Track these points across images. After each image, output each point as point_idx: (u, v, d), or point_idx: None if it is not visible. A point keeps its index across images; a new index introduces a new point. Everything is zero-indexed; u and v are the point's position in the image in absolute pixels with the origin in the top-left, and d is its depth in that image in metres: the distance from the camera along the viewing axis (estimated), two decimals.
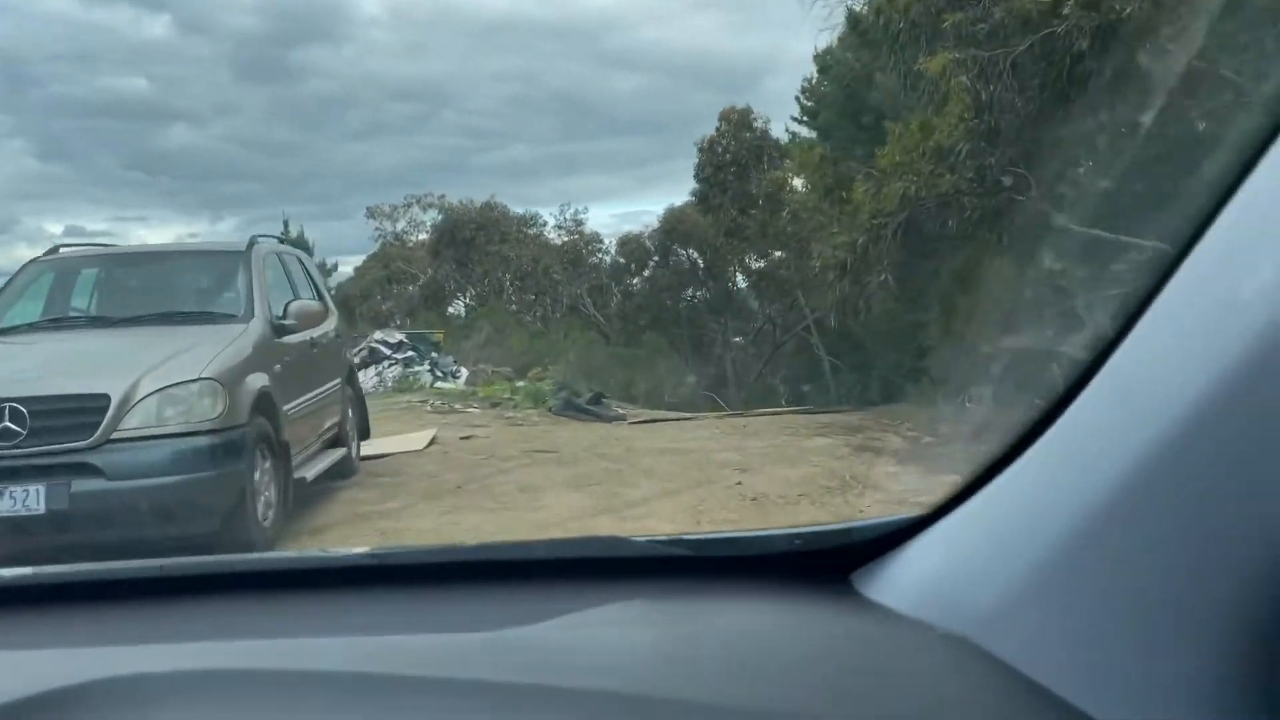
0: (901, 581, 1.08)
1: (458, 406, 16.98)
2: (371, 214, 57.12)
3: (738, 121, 31.26)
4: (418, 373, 20.78)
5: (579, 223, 43.67)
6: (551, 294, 43.49)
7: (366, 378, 20.62)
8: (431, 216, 51.64)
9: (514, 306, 44.84)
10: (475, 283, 45.33)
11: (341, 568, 1.28)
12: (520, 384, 20.89)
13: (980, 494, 1.01)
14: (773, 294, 33.49)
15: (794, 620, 1.10)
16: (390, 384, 20.01)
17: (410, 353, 21.45)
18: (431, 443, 12.02)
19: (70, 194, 63.77)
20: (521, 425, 14.76)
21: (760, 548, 1.25)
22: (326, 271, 60.84)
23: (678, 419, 15.50)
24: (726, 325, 36.74)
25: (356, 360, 21.97)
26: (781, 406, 33.56)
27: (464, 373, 21.83)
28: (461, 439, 12.34)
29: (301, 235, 61.64)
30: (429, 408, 16.84)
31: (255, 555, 2.05)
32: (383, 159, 59.04)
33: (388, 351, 21.36)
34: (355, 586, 1.19)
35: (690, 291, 37.50)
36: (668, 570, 1.19)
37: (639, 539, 1.20)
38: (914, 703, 0.90)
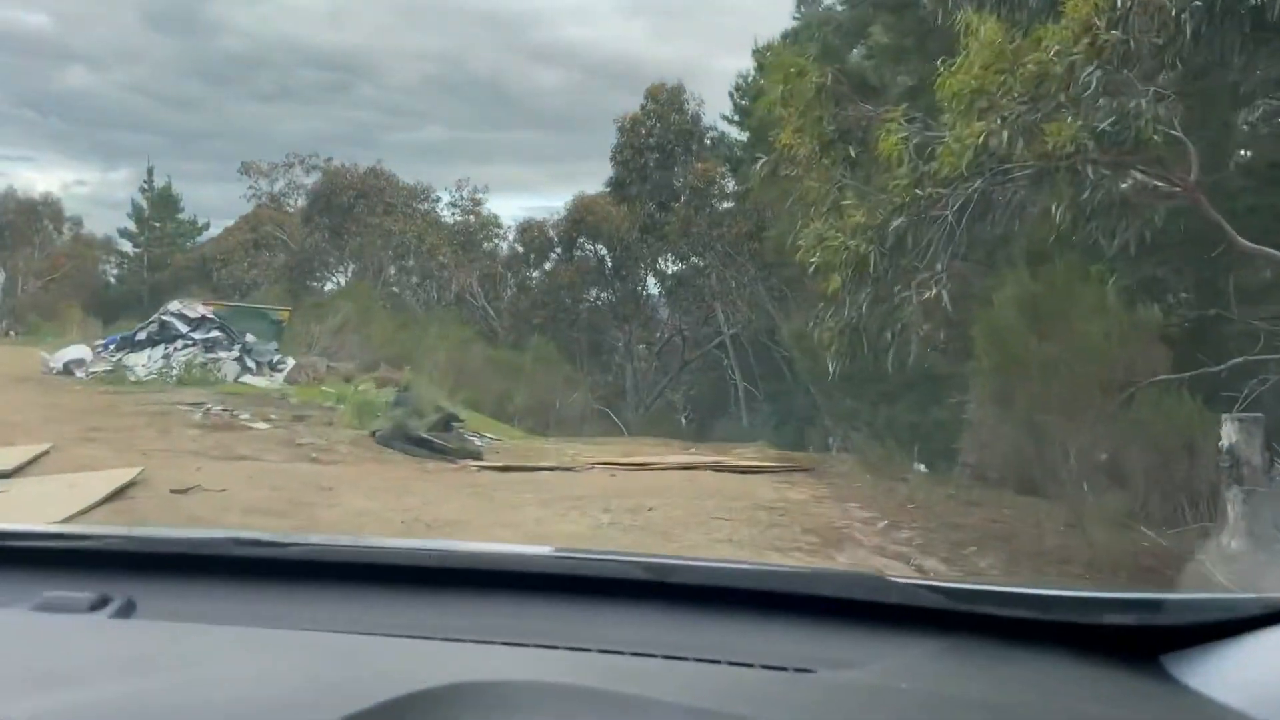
0: (1236, 674, 1.04)
1: (243, 417, 11.63)
2: (246, 170, 50.85)
3: (667, 101, 26.45)
4: (219, 360, 15.29)
5: (476, 202, 38.25)
6: (438, 279, 38.02)
7: (145, 360, 15.03)
8: (315, 181, 45.84)
9: (394, 289, 39.30)
10: (351, 257, 39.55)
11: (612, 578, 1.27)
12: (361, 386, 15.61)
13: None
14: (687, 303, 28.79)
15: (1098, 690, 1.05)
16: (176, 372, 14.49)
17: (215, 332, 15.92)
18: (116, 495, 6.75)
19: None
20: (317, 459, 9.58)
21: (1042, 608, 1.16)
22: (197, 229, 54.49)
23: (550, 470, 10.48)
24: (631, 333, 31.94)
25: (142, 336, 16.44)
26: (681, 433, 29.00)
27: (288, 364, 16.39)
28: (174, 492, 7.05)
29: (168, 188, 54.72)
30: (199, 414, 11.45)
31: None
32: (290, 125, 58.56)
33: (183, 328, 15.79)
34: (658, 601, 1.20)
35: (594, 292, 32.55)
36: (934, 622, 1.14)
37: (904, 581, 1.20)
38: None
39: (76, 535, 1.33)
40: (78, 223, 52.77)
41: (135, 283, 51.54)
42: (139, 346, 15.39)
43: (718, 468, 11.34)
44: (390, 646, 1.05)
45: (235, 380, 14.97)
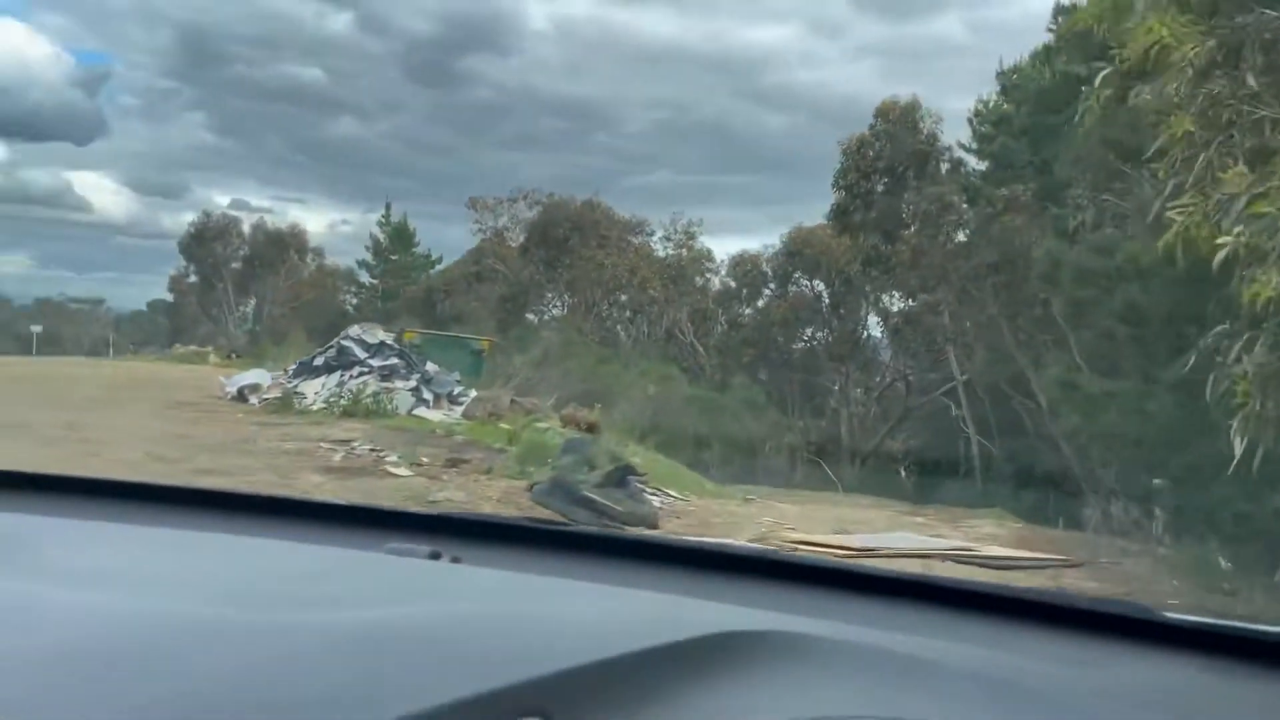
0: None
1: (389, 459, 10.00)
2: (473, 205, 51.87)
3: (899, 119, 23.63)
4: (394, 391, 13.97)
5: (690, 236, 36.59)
6: (648, 314, 36.56)
7: (318, 387, 13.91)
8: (537, 215, 45.97)
9: (606, 323, 38.21)
10: (565, 290, 38.86)
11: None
12: (539, 424, 13.85)
13: None
14: (914, 344, 25.60)
15: None
16: (343, 401, 13.26)
17: (393, 360, 14.66)
18: None
19: (238, 169, 68.57)
20: None
21: None
22: (430, 263, 56.25)
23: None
24: (847, 375, 29.00)
25: (320, 361, 15.49)
26: (901, 489, 25.53)
27: (468, 397, 14.91)
28: None
29: (404, 222, 56.78)
30: (341, 454, 9.93)
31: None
32: (531, 170, 64.76)
33: (360, 354, 14.63)
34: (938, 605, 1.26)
35: (808, 330, 29.91)
36: (1183, 643, 1.15)
37: (1169, 614, 1.21)
38: None
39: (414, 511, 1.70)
40: (319, 254, 55.77)
41: (369, 311, 53.51)
42: (316, 372, 14.37)
43: (962, 558, 8.58)
44: (700, 605, 1.11)
45: (409, 413, 13.59)
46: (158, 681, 0.68)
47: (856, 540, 9.24)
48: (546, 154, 62.49)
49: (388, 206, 56.14)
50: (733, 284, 32.35)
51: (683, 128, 61.47)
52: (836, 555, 8.58)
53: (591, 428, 15.54)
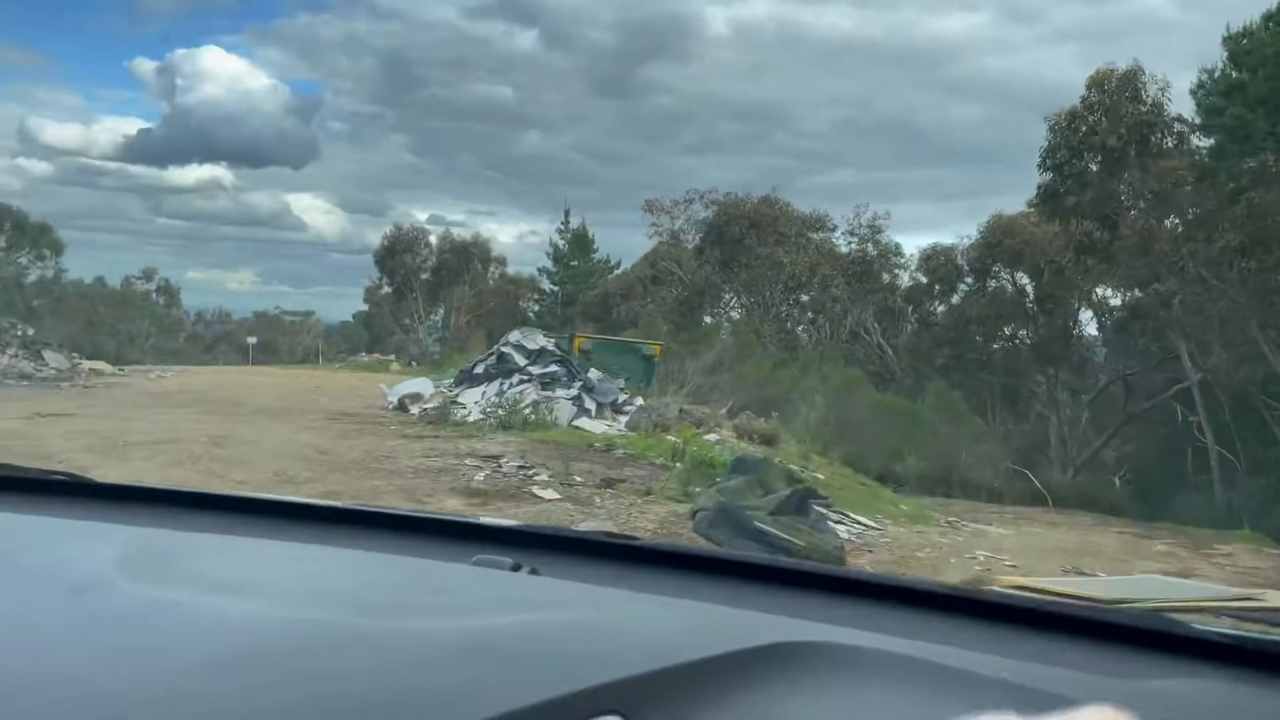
0: None
1: (538, 479, 8.90)
2: (649, 209, 51.34)
3: (1116, 89, 20.82)
4: (554, 400, 12.95)
5: (875, 230, 34.28)
6: (830, 314, 34.53)
7: (478, 396, 13.10)
8: (713, 214, 44.88)
9: (786, 324, 36.49)
10: (741, 290, 37.41)
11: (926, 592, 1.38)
12: (708, 437, 12.50)
13: None
14: (1139, 341, 22.57)
15: None
16: (500, 412, 12.33)
17: (553, 367, 13.66)
18: None
19: (435, 186, 72.78)
20: None
21: None
22: (609, 268, 56.21)
23: None
24: (1056, 378, 26.09)
25: (480, 369, 14.67)
26: (1119, 503, 22.41)
27: (633, 406, 13.74)
28: None
29: (582, 229, 56.93)
30: (485, 473, 8.91)
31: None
32: (710, 174, 63.63)
33: (520, 361, 13.71)
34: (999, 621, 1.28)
35: (1010, 328, 27.17)
36: (1216, 659, 1.19)
37: (1195, 625, 1.25)
38: None
39: (494, 523, 1.68)
40: (502, 262, 56.69)
41: (550, 318, 53.91)
42: (476, 381, 13.58)
43: (1245, 613, 6.58)
44: (758, 617, 1.14)
45: (569, 424, 12.54)
46: (302, 684, 0.76)
47: (1100, 586, 7.34)
48: (726, 157, 62.15)
49: (566, 213, 56.36)
50: (924, 280, 29.98)
51: (865, 124, 60.12)
52: (1073, 601, 6.78)
53: (768, 439, 14.06)
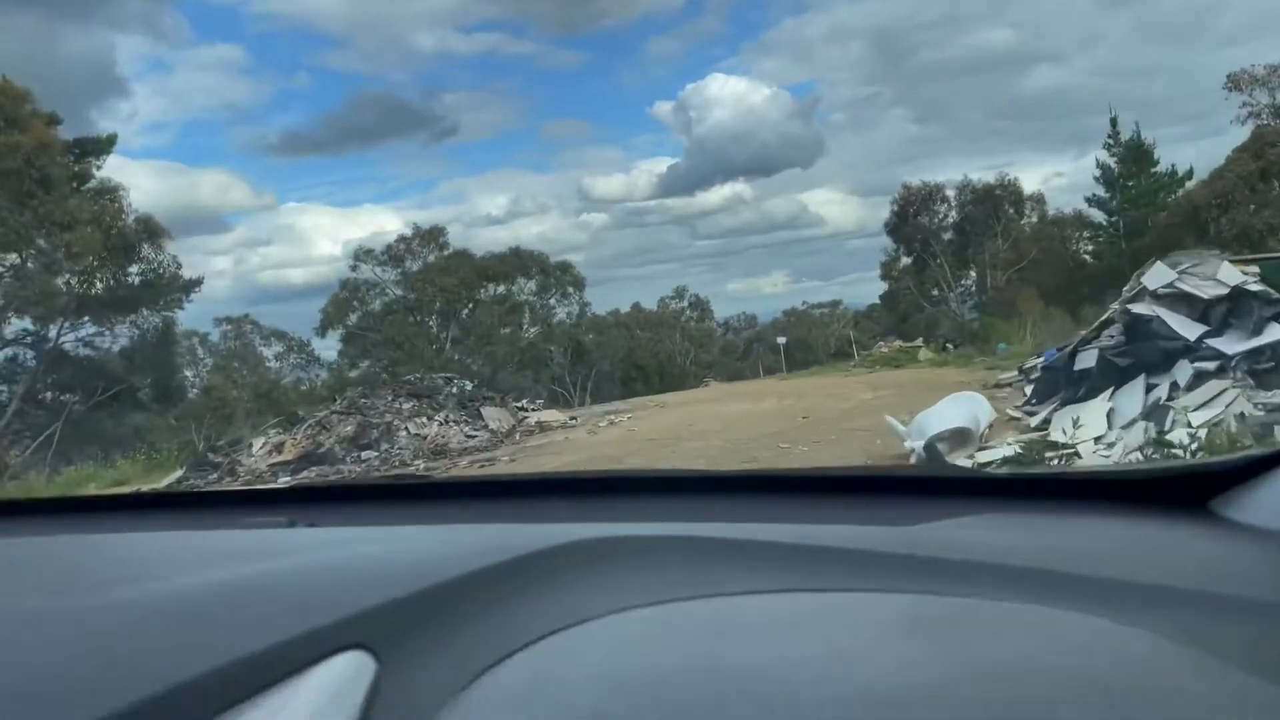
0: (1271, 503, 1.08)
1: None
2: (1234, 85, 38.12)
3: None
4: None
5: None
6: None
7: (1101, 422, 5.68)
8: None
9: None
10: None
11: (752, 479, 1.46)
12: None
13: None
14: None
15: (1158, 533, 1.12)
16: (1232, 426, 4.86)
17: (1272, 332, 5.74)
18: None
19: (943, 150, 69.60)
20: None
21: (1106, 477, 1.29)
22: (1177, 180, 43.45)
23: None
24: None
25: (1088, 358, 7.05)
26: None
27: None
28: None
29: (1136, 138, 44.36)
30: None
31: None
32: (1266, 58, 48.86)
33: (1181, 329, 6.01)
34: (755, 494, 1.35)
35: None
36: (1014, 495, 1.27)
37: (982, 471, 1.34)
38: None
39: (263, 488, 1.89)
40: (1039, 201, 46.14)
41: (1112, 255, 42.49)
42: (1078, 384, 6.23)
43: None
44: (519, 529, 1.12)
45: None
46: None
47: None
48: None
49: (1113, 123, 43.86)
50: None
51: None
52: None
53: None
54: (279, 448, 16.02)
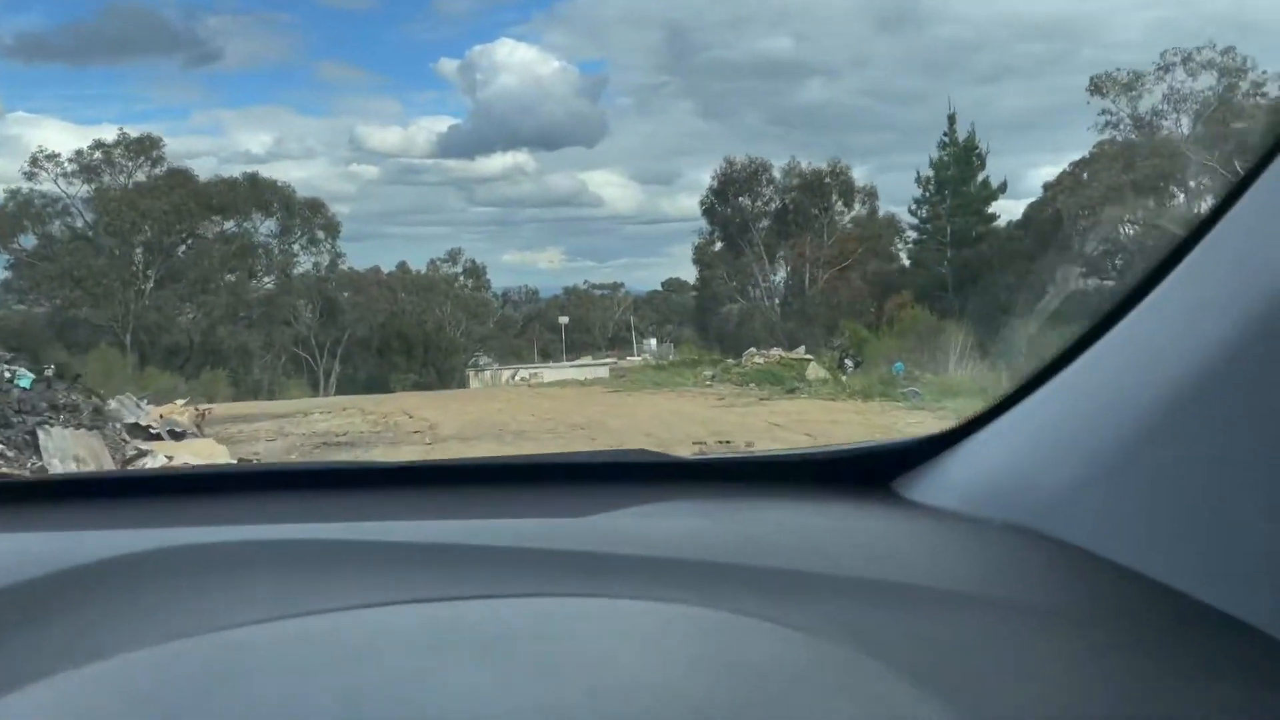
0: (948, 482, 1.11)
1: None
2: (1096, 88, 34.48)
3: None
4: None
5: None
6: None
7: None
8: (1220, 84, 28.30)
9: None
10: None
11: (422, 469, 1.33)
12: None
13: (1033, 398, 1.03)
14: None
15: (835, 517, 1.13)
16: None
17: None
18: None
19: (722, 149, 66.65)
20: None
21: (793, 459, 1.29)
22: (990, 193, 39.89)
23: None
24: None
25: None
26: None
27: None
28: None
29: (972, 137, 40.11)
30: None
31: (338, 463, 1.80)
32: (1005, 103, 55.48)
33: None
34: (423, 486, 1.25)
35: None
36: (706, 479, 1.23)
37: (674, 455, 1.24)
38: (974, 584, 0.88)
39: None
40: (871, 194, 41.44)
41: (935, 262, 38.25)
42: None
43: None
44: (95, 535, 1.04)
45: None
46: None
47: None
48: (1022, 82, 55.29)
49: (950, 119, 39.25)
50: None
51: (1185, 24, 47.49)
52: None
53: None
54: None
